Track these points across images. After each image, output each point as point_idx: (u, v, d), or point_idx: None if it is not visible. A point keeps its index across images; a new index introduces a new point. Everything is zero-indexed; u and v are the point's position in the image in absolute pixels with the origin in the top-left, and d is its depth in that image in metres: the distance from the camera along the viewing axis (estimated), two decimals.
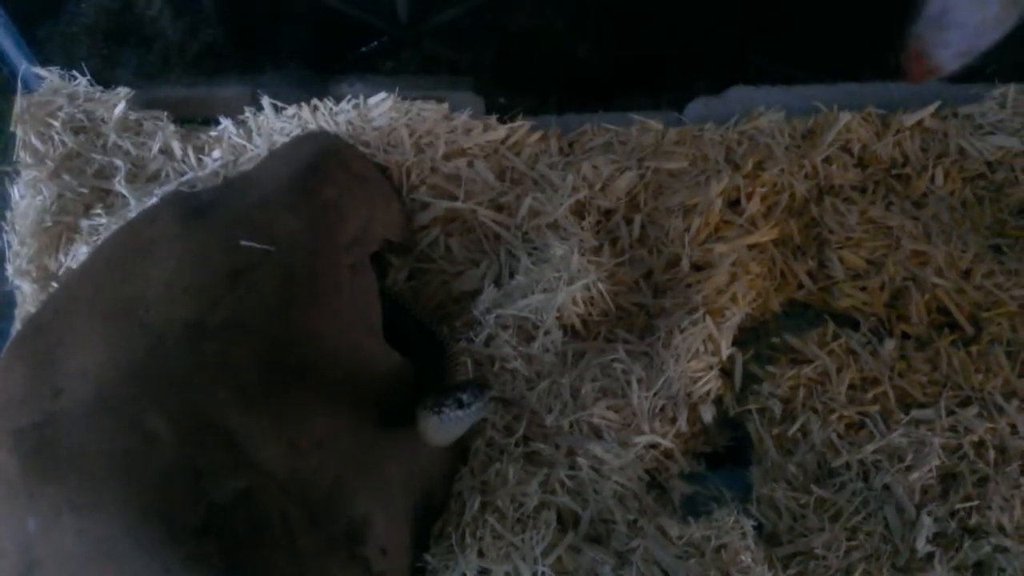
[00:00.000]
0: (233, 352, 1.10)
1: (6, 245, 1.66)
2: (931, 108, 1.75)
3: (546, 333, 1.46)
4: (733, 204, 1.65)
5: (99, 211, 1.65)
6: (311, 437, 1.09)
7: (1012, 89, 1.76)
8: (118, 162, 1.71)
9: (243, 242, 1.19)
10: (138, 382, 1.06)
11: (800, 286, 1.61)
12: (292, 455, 1.07)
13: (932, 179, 1.70)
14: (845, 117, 1.72)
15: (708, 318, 1.46)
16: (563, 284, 1.47)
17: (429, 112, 1.72)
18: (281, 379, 1.11)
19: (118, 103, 1.78)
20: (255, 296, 1.15)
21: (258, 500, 1.03)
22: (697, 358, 1.43)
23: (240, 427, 1.05)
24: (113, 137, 1.75)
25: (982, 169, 1.71)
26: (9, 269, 1.63)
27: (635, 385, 1.41)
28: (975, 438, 1.36)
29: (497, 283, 1.56)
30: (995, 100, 1.76)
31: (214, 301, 1.13)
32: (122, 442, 1.02)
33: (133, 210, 1.61)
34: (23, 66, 1.81)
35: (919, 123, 1.75)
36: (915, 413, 1.40)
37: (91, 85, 1.82)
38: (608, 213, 1.65)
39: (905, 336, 1.53)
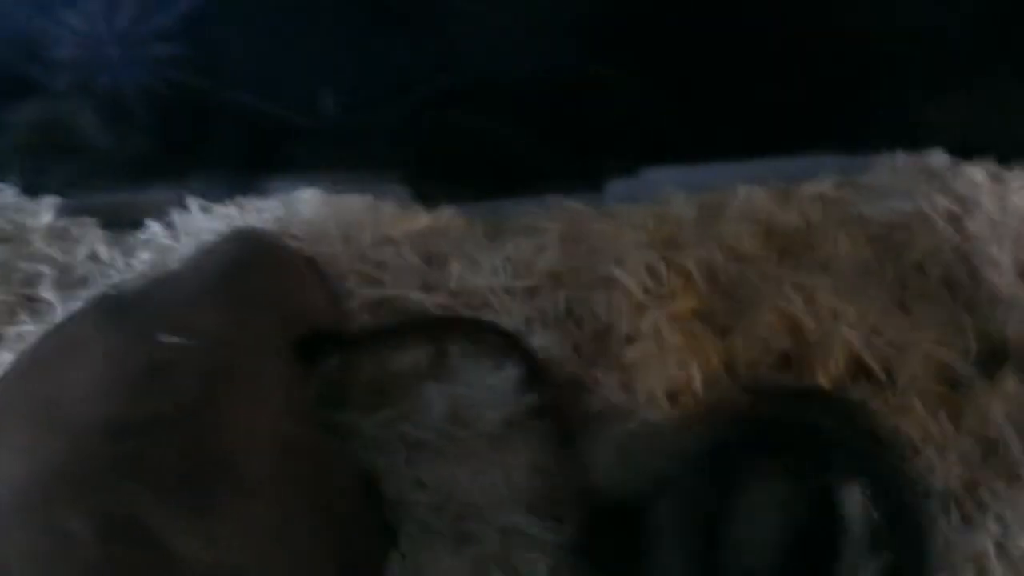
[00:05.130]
0: (152, 448, 1.09)
1: None
2: (829, 181, 1.87)
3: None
4: (653, 277, 1.71)
5: (25, 318, 1.64)
6: (231, 531, 1.08)
7: (900, 154, 1.90)
8: (45, 269, 1.71)
9: (161, 337, 1.20)
10: (58, 484, 1.05)
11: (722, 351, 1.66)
12: (211, 550, 1.05)
13: (836, 243, 1.79)
14: (751, 191, 1.83)
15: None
16: None
17: (356, 203, 1.78)
18: (200, 473, 1.10)
19: (46, 212, 1.80)
20: (174, 392, 1.15)
21: None
22: None
23: (160, 523, 1.03)
24: (40, 245, 1.75)
25: (881, 231, 1.81)
26: None
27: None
28: None
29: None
30: (885, 166, 1.89)
31: (134, 399, 1.14)
32: (42, 545, 1.00)
33: (59, 315, 1.61)
34: None
35: (819, 193, 1.86)
36: None
37: (19, 195, 1.84)
38: (533, 290, 1.70)
39: None
